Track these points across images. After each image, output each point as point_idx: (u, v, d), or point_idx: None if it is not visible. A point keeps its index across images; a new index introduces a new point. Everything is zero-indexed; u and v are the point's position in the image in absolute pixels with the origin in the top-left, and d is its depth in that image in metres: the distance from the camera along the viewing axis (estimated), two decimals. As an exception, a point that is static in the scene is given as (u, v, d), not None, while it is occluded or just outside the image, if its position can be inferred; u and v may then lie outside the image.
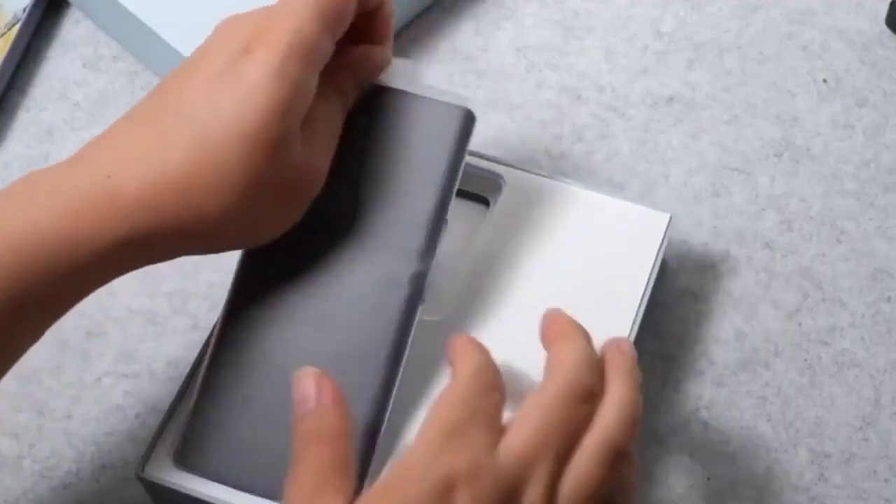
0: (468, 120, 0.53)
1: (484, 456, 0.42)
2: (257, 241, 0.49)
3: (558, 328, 0.48)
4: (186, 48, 0.62)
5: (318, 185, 0.49)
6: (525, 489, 0.42)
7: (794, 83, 0.66)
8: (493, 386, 0.45)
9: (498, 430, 0.44)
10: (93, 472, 0.55)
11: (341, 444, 0.44)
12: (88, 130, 0.65)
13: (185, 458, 0.50)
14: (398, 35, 0.68)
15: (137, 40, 0.65)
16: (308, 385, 0.44)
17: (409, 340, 0.51)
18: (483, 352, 0.46)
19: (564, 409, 0.44)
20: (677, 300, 0.59)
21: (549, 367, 0.46)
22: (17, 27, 0.66)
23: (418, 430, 0.44)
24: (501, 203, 0.58)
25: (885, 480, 0.55)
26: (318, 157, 0.49)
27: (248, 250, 0.51)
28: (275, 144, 0.46)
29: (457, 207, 0.54)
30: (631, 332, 0.54)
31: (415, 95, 0.53)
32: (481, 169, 0.59)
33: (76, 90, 0.67)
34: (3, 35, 0.66)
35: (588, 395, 0.45)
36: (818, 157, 0.63)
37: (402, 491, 0.42)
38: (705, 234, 0.61)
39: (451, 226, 0.53)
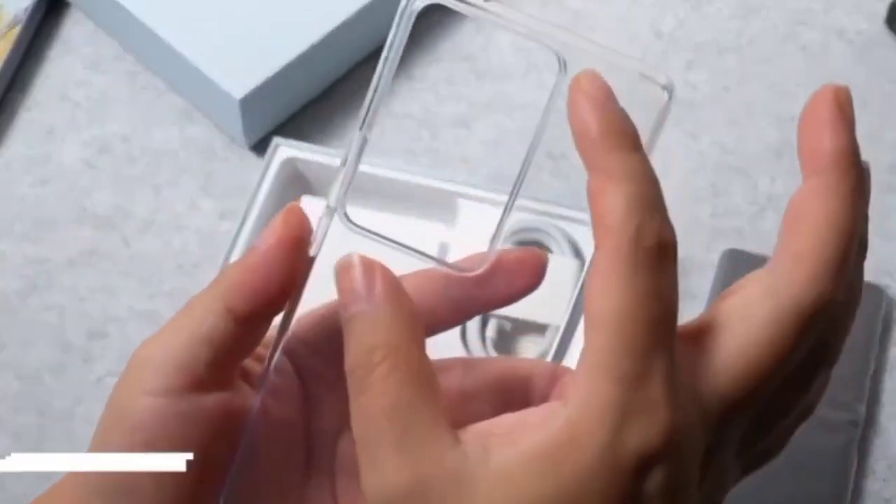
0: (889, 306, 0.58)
1: (684, 414, 0.29)
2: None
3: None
4: (186, 48, 0.62)
5: None
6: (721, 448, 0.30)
7: (794, 83, 0.66)
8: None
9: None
10: (94, 472, 0.55)
11: (412, 359, 0.30)
12: (88, 130, 0.65)
13: None
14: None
15: (138, 41, 0.65)
16: (356, 276, 0.31)
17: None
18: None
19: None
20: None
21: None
22: (18, 27, 0.67)
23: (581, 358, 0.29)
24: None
25: (884, 480, 0.55)
26: None
27: None
28: None
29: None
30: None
31: None
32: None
33: (76, 90, 0.67)
34: (4, 35, 0.66)
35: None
36: (818, 157, 0.63)
37: (568, 471, 0.28)
38: (705, 234, 0.61)
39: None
